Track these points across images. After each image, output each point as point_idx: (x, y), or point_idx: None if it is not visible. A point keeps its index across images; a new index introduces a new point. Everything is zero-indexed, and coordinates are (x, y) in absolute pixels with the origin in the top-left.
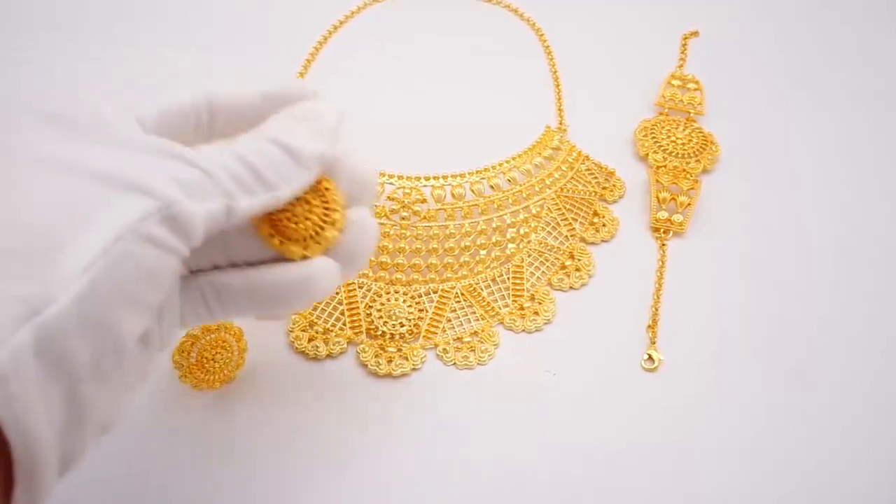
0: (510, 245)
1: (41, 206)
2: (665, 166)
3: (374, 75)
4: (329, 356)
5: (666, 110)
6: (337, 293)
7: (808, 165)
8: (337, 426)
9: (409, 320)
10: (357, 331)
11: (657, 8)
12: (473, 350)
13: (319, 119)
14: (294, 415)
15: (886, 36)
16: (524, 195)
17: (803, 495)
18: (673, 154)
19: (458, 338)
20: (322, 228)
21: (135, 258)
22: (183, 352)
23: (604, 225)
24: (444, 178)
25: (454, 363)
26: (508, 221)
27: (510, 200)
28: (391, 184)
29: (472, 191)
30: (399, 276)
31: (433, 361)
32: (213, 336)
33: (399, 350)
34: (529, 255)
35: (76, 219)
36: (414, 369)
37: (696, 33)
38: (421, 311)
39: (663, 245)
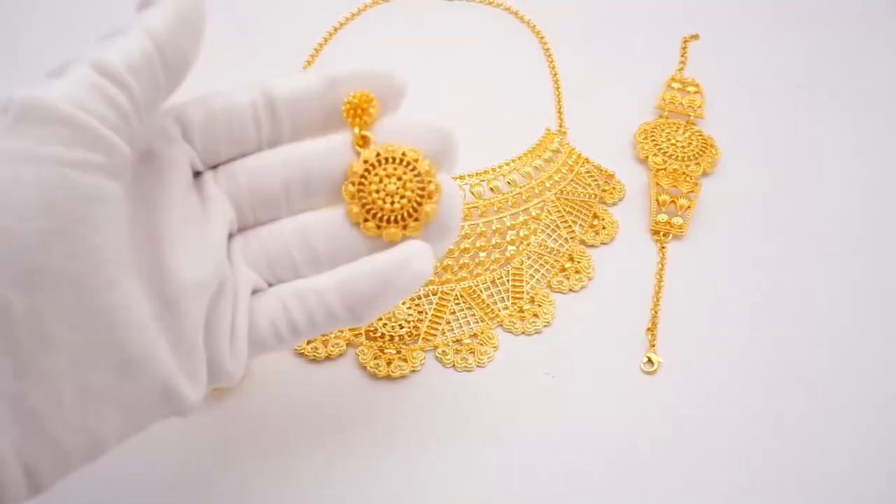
0: (510, 247)
1: None
2: (665, 169)
3: None
4: (328, 358)
5: (666, 113)
6: None
7: (808, 168)
8: (336, 428)
9: (409, 322)
10: (356, 332)
11: (657, 11)
12: (473, 352)
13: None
14: (293, 416)
15: (885, 39)
16: (524, 197)
17: (803, 498)
18: (673, 157)
19: (457, 340)
20: (420, 203)
21: None
22: None
23: (603, 227)
24: None
25: (453, 365)
26: (508, 224)
27: (510, 203)
28: None
29: (472, 193)
30: None
31: (432, 363)
32: None
33: (398, 352)
34: (529, 258)
35: None
36: (413, 371)
37: (696, 37)
38: (420, 312)
39: (663, 248)
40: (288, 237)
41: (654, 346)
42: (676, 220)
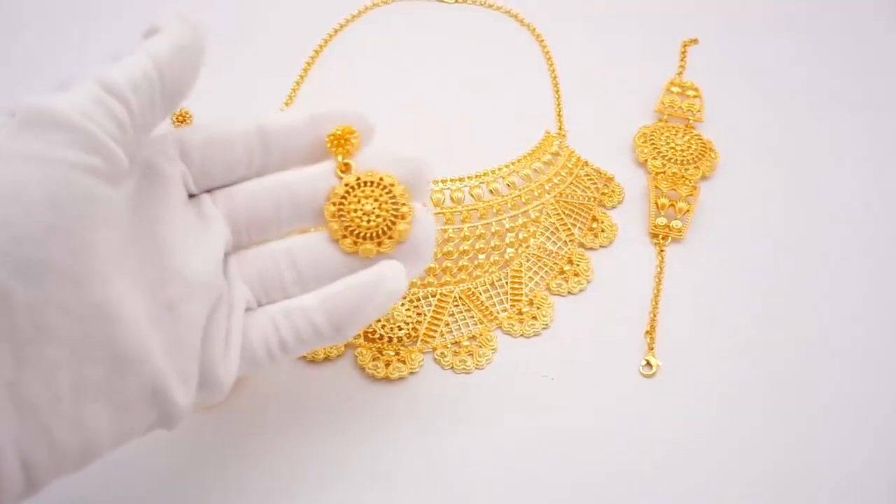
0: (509, 250)
1: None
2: (664, 172)
3: (375, 79)
4: (326, 359)
5: (665, 117)
6: None
7: (807, 172)
8: (334, 429)
9: (408, 324)
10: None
11: (657, 15)
12: (471, 354)
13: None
14: (291, 418)
15: (884, 43)
16: (523, 200)
17: (801, 501)
18: (672, 160)
19: (456, 342)
20: (394, 223)
21: None
22: None
23: (602, 230)
24: (444, 182)
25: (452, 367)
26: (507, 226)
27: (509, 205)
28: None
29: (472, 195)
30: None
31: (431, 365)
32: None
33: (397, 354)
34: (528, 260)
35: None
36: (411, 373)
37: (695, 41)
38: (419, 314)
39: (662, 251)
40: (278, 257)
41: (652, 349)
42: (675, 224)
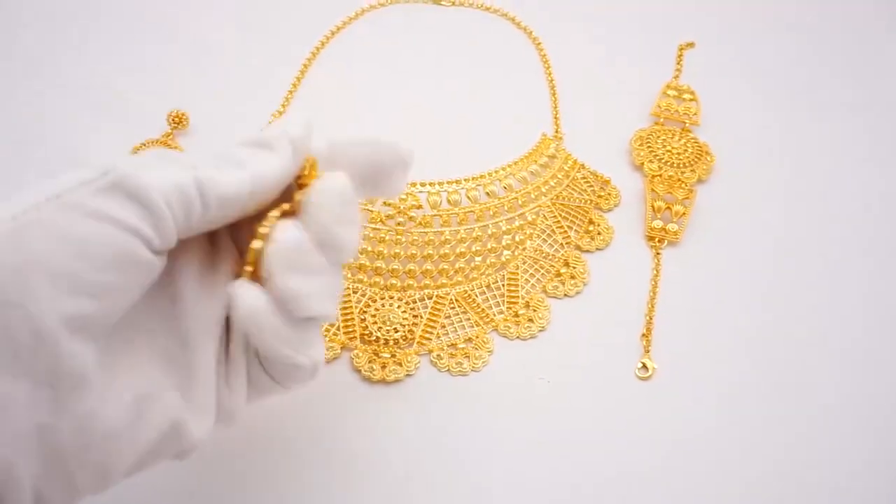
0: (505, 252)
1: None
2: (660, 175)
3: (372, 81)
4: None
5: (661, 120)
6: None
7: (803, 175)
8: (329, 431)
9: (404, 326)
10: (351, 336)
11: (653, 19)
12: (467, 356)
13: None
14: (286, 419)
15: (881, 47)
16: (520, 202)
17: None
18: (668, 163)
19: (452, 344)
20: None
21: (58, 224)
22: None
23: (599, 233)
24: (441, 184)
25: (448, 369)
26: (504, 228)
27: (506, 207)
28: None
29: (468, 197)
30: (394, 282)
31: (427, 367)
32: None
33: (393, 356)
34: (524, 263)
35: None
36: (408, 375)
37: (691, 44)
38: (415, 316)
39: (658, 254)
40: None
41: (648, 351)
42: (671, 227)
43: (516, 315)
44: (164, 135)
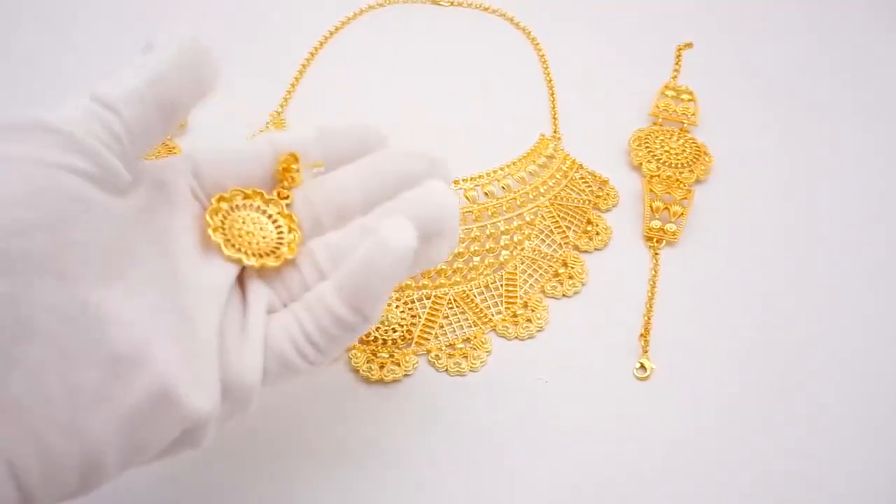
0: (504, 252)
1: None
2: (658, 176)
3: (371, 81)
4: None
5: (660, 120)
6: None
7: (801, 176)
8: (327, 431)
9: (402, 326)
10: None
11: (652, 19)
12: (466, 356)
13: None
14: (284, 419)
15: (879, 48)
16: (518, 202)
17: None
18: (666, 164)
19: (450, 344)
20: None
21: None
22: None
23: (597, 233)
24: None
25: (446, 369)
26: (502, 228)
27: (504, 208)
28: None
29: (467, 197)
30: None
31: (425, 367)
32: None
33: (391, 356)
34: (523, 263)
35: None
36: (406, 375)
37: (689, 45)
38: (413, 316)
39: (656, 254)
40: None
41: (647, 351)
42: (670, 227)
43: (514, 315)
44: None
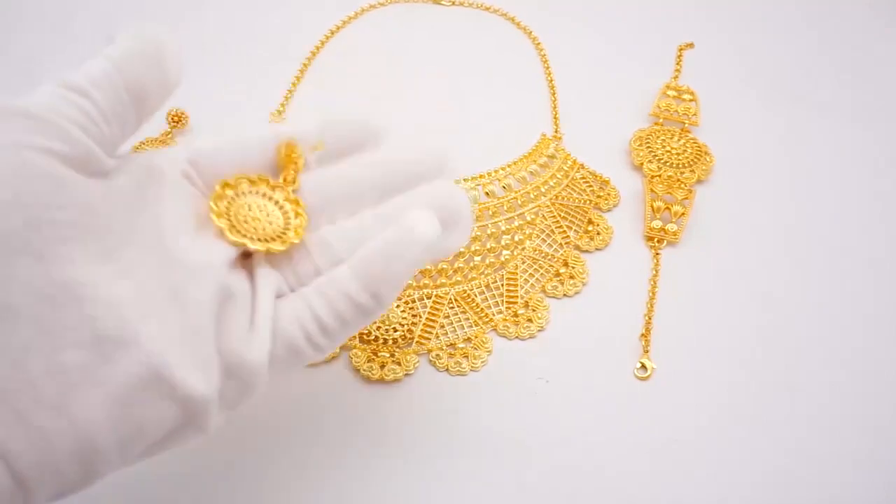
0: (504, 252)
1: None
2: (659, 176)
3: (371, 81)
4: (321, 360)
5: (661, 120)
6: None
7: (802, 176)
8: (328, 430)
9: (403, 325)
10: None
11: (653, 20)
12: (466, 356)
13: None
14: (285, 418)
15: (880, 47)
16: (519, 202)
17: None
18: (667, 164)
19: (451, 344)
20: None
21: None
22: None
23: (598, 233)
24: None
25: (447, 369)
26: (503, 228)
27: (505, 207)
28: None
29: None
30: None
31: (426, 367)
32: None
33: (392, 355)
34: (524, 262)
35: None
36: (406, 375)
37: (691, 45)
38: (414, 316)
39: (657, 254)
40: (306, 239)
41: (647, 351)
42: (671, 227)
43: (515, 315)
44: (164, 133)
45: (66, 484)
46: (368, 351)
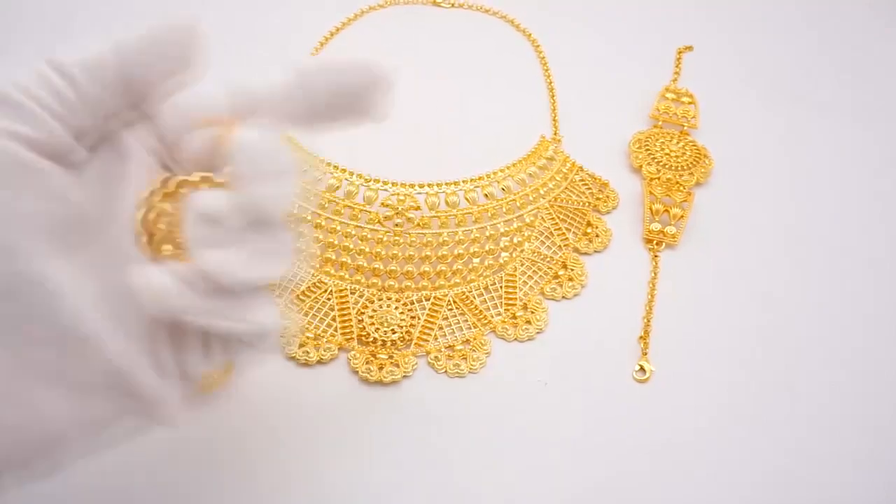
0: (503, 254)
1: None
2: (658, 178)
3: None
4: (320, 362)
5: (660, 123)
6: (329, 299)
7: (801, 177)
8: (326, 433)
9: (401, 327)
10: (348, 337)
11: (652, 22)
12: (465, 358)
13: None
14: (283, 420)
15: (880, 48)
16: (518, 204)
17: None
18: (666, 166)
19: (449, 346)
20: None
21: None
22: None
23: (597, 235)
24: (439, 185)
25: (445, 371)
26: (502, 230)
27: (504, 209)
28: (385, 190)
29: (467, 199)
30: (392, 283)
31: (424, 369)
32: None
33: (390, 357)
34: (522, 265)
35: None
36: (405, 377)
37: (690, 48)
38: (413, 318)
39: (656, 256)
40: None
41: (646, 354)
42: (670, 230)
43: (514, 317)
44: None
45: (31, 475)
46: (367, 353)
